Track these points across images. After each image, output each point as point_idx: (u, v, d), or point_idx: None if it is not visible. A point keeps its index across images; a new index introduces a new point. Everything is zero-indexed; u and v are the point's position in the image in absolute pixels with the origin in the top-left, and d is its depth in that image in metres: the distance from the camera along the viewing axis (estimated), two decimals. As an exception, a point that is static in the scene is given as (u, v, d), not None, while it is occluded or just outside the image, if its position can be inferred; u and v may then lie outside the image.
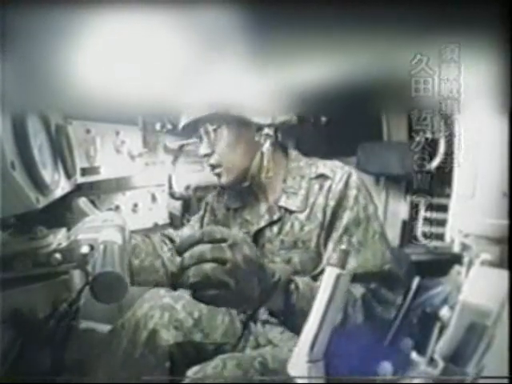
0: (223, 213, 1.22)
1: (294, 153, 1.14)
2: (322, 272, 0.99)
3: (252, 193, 1.15)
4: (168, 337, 1.02)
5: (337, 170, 1.05)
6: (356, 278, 0.98)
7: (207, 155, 1.10)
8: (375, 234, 1.02)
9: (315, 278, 0.97)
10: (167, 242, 1.19)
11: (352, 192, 1.02)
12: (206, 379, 0.87)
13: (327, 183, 1.03)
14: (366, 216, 1.02)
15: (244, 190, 1.16)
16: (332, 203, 1.01)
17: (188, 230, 1.24)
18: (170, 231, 1.25)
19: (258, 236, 1.11)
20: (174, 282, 1.13)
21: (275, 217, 1.08)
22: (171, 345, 1.02)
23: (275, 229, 1.08)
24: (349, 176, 1.03)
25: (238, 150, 1.07)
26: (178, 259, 1.12)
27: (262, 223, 1.10)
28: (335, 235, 1.01)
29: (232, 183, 1.10)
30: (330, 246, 1.02)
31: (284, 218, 1.08)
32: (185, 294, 1.12)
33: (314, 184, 1.06)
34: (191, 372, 0.89)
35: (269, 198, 1.11)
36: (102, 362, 1.11)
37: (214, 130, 1.04)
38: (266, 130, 1.07)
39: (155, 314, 1.04)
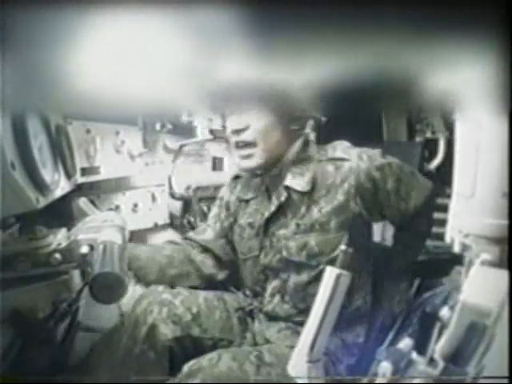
0: (236, 205, 1.22)
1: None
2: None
3: (263, 183, 1.14)
4: (167, 331, 1.03)
5: (350, 152, 1.06)
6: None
7: (238, 131, 1.04)
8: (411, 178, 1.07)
9: (332, 261, 0.97)
10: (194, 245, 1.22)
11: (378, 169, 1.02)
12: (201, 370, 0.88)
13: (346, 164, 1.03)
14: (399, 178, 1.03)
15: (257, 181, 1.16)
16: (355, 182, 1.01)
17: (211, 232, 1.25)
18: (192, 235, 1.27)
19: (270, 223, 1.11)
20: (208, 281, 1.19)
21: (282, 198, 1.07)
22: (170, 339, 1.03)
23: (289, 214, 1.08)
24: (367, 155, 1.03)
25: (276, 133, 1.05)
26: (211, 261, 1.18)
27: (273, 208, 1.09)
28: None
29: (261, 167, 1.08)
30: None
31: (297, 202, 1.06)
32: (183, 290, 1.14)
33: (325, 166, 1.05)
34: (187, 366, 0.90)
35: (279, 187, 1.10)
36: (103, 359, 1.12)
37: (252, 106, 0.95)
38: (311, 122, 1.09)
39: (154, 309, 1.04)
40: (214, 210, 1.29)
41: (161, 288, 1.12)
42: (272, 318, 1.11)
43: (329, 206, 1.03)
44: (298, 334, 1.03)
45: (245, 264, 1.20)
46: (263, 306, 1.14)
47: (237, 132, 1.06)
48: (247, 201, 1.18)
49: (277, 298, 1.11)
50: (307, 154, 1.09)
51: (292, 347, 1.01)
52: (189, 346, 1.06)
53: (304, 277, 1.06)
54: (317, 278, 1.01)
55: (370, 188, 1.02)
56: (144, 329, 1.03)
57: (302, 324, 0.97)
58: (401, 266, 1.15)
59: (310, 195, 1.05)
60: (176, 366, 0.98)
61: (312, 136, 1.12)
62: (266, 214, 1.11)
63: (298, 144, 1.09)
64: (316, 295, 0.92)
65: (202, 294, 1.15)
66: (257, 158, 1.05)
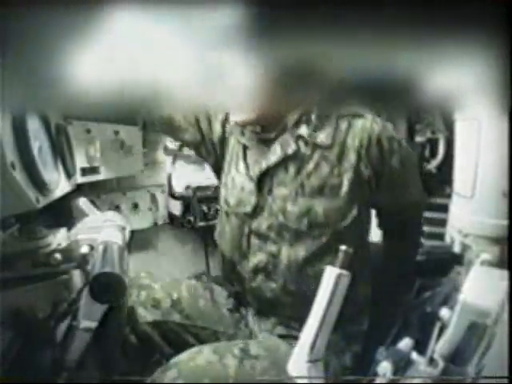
0: (236, 148, 1.06)
1: None
2: (348, 226, 0.92)
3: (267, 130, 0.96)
4: (145, 314, 0.99)
5: (366, 111, 0.94)
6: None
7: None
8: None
9: (337, 235, 0.90)
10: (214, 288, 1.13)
11: (388, 140, 0.92)
12: (178, 364, 0.84)
13: (360, 122, 0.92)
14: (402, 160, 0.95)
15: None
16: (366, 142, 0.90)
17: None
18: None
19: (267, 177, 0.95)
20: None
21: (290, 150, 0.92)
22: (149, 322, 0.99)
23: (292, 169, 0.93)
24: (382, 122, 0.94)
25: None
26: (233, 301, 1.09)
27: (274, 159, 0.93)
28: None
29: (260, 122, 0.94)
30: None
31: (305, 158, 0.92)
32: (165, 276, 1.10)
33: (341, 122, 0.93)
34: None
35: (285, 136, 0.94)
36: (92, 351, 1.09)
37: None
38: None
39: (133, 292, 1.02)
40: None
41: (143, 273, 1.09)
42: (256, 297, 1.01)
43: (341, 167, 0.91)
44: (292, 328, 0.97)
45: (228, 220, 1.04)
46: (244, 284, 1.03)
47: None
48: (245, 146, 1.02)
49: (260, 277, 0.98)
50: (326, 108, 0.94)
51: (285, 336, 0.97)
52: (170, 333, 1.01)
53: (301, 251, 0.92)
54: (317, 255, 0.92)
55: (377, 154, 0.92)
56: (124, 313, 0.98)
57: (297, 324, 0.89)
58: (398, 269, 1.13)
59: (322, 151, 0.91)
60: (164, 355, 0.97)
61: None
62: (264, 165, 0.95)
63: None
64: (314, 278, 0.86)
65: (186, 282, 1.10)
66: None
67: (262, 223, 0.97)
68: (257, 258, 0.98)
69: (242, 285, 1.06)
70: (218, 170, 1.14)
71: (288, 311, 0.99)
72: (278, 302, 0.99)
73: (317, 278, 0.77)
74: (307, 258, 0.93)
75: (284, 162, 0.93)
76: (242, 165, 1.03)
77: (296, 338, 0.87)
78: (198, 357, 0.86)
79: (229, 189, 1.06)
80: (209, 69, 0.44)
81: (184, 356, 0.87)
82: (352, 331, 1.00)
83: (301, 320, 0.82)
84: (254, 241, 0.99)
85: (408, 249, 1.10)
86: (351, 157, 0.91)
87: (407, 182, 1.01)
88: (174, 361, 0.87)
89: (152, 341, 1.00)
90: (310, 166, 0.92)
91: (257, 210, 0.97)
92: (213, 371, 0.83)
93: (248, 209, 0.98)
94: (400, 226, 1.11)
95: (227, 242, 1.06)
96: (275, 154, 0.93)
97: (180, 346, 0.96)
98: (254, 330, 1.07)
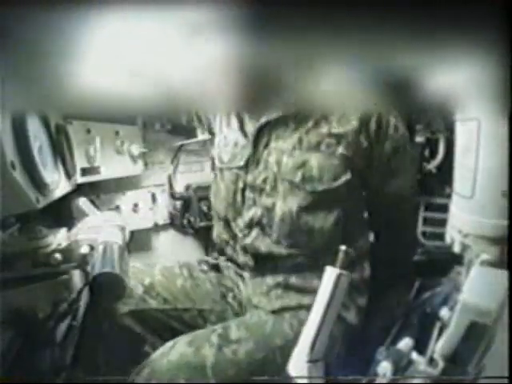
0: None
1: None
2: (340, 188, 0.92)
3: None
4: (120, 306, 0.96)
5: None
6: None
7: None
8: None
9: (329, 192, 0.89)
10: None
11: (385, 122, 0.94)
12: (148, 364, 0.81)
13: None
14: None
15: None
16: (365, 116, 0.91)
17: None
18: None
19: (264, 131, 0.95)
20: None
21: (292, 109, 0.92)
22: (126, 314, 0.96)
23: (292, 125, 0.94)
24: None
25: None
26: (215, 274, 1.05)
27: (274, 114, 0.94)
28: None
29: None
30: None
31: (307, 114, 0.93)
32: (136, 263, 1.06)
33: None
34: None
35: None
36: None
37: None
38: None
39: None
40: None
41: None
42: (253, 255, 0.99)
43: (341, 128, 0.92)
44: (290, 289, 0.95)
45: (222, 177, 1.05)
46: (237, 241, 1.01)
47: None
48: None
49: (255, 230, 0.97)
50: None
51: (283, 309, 0.92)
52: (152, 321, 0.98)
53: (293, 204, 0.93)
54: (308, 209, 0.92)
55: (373, 131, 0.93)
56: (100, 310, 0.96)
57: (294, 270, 0.89)
58: (391, 270, 1.11)
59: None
60: (154, 346, 0.92)
61: None
62: (263, 120, 0.95)
63: None
64: (307, 231, 0.87)
65: (159, 265, 1.07)
66: None
67: (256, 176, 0.97)
68: (251, 212, 0.98)
69: (235, 245, 1.03)
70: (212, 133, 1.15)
71: (283, 265, 0.97)
72: (273, 256, 0.97)
73: (309, 232, 0.80)
74: (300, 212, 0.93)
75: (285, 118, 0.94)
76: (234, 121, 1.03)
77: (298, 289, 0.85)
78: (171, 352, 0.82)
79: (221, 147, 1.06)
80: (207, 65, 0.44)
81: (157, 353, 0.84)
82: (354, 279, 0.95)
83: (297, 272, 0.80)
84: (249, 195, 0.99)
85: (400, 250, 1.10)
86: (353, 122, 0.92)
87: (397, 172, 1.00)
88: (148, 359, 0.83)
89: (134, 333, 0.96)
90: (311, 123, 0.93)
91: (250, 163, 0.97)
92: (188, 366, 0.80)
93: (241, 162, 0.99)
94: (390, 225, 1.10)
95: (222, 200, 1.05)
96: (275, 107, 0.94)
97: (166, 334, 0.93)
98: (244, 298, 1.02)
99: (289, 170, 0.93)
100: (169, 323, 0.98)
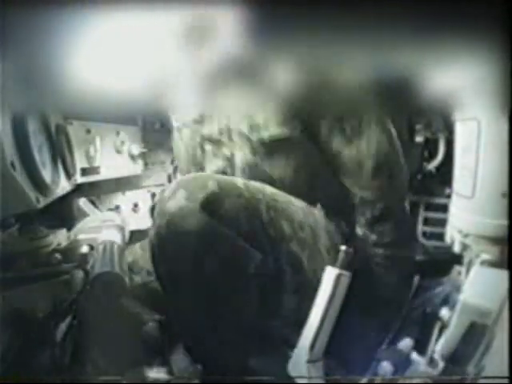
0: None
1: None
2: (292, 138, 0.90)
3: None
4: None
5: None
6: None
7: None
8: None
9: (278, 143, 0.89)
10: None
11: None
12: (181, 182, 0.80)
13: None
14: None
15: None
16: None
17: None
18: None
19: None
20: None
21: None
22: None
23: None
24: None
25: None
26: None
27: None
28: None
29: None
30: None
31: None
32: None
33: None
34: None
35: None
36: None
37: None
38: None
39: None
40: None
41: None
42: None
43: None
44: None
45: (181, 135, 1.07)
46: None
47: None
48: None
49: None
50: None
51: None
52: (144, 296, 0.95)
53: (248, 154, 0.94)
54: (263, 160, 0.93)
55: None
56: None
57: None
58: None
59: None
60: (157, 321, 0.88)
61: None
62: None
63: None
64: (266, 180, 0.87)
65: (142, 242, 1.07)
66: None
67: (212, 129, 0.98)
68: (214, 164, 0.99)
69: None
70: None
71: None
72: None
73: (270, 182, 0.80)
74: (255, 161, 0.94)
75: None
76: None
77: None
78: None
79: (176, 108, 1.07)
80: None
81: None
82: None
83: None
84: (208, 147, 1.00)
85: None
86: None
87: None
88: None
89: (132, 313, 0.93)
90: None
91: (205, 117, 0.99)
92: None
93: (196, 115, 1.00)
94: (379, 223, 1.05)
95: (183, 157, 1.07)
96: None
97: (162, 304, 0.91)
98: None
99: (237, 120, 0.94)
100: (157, 293, 0.95)
